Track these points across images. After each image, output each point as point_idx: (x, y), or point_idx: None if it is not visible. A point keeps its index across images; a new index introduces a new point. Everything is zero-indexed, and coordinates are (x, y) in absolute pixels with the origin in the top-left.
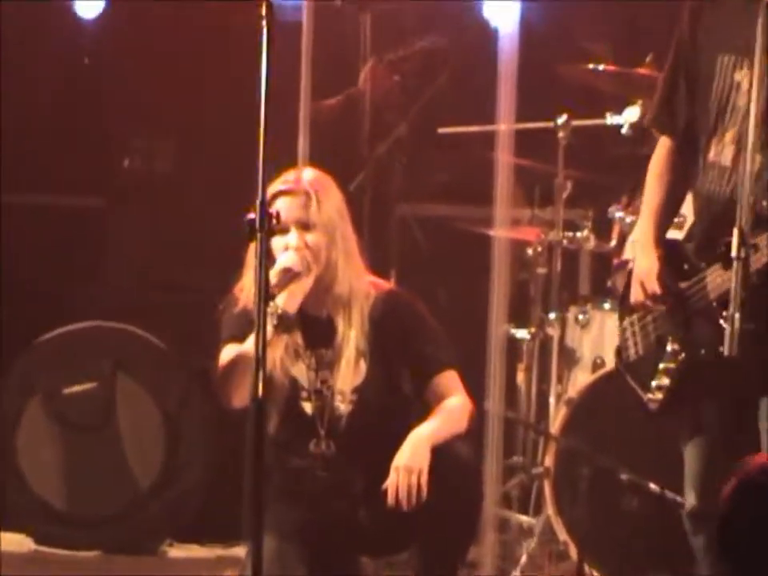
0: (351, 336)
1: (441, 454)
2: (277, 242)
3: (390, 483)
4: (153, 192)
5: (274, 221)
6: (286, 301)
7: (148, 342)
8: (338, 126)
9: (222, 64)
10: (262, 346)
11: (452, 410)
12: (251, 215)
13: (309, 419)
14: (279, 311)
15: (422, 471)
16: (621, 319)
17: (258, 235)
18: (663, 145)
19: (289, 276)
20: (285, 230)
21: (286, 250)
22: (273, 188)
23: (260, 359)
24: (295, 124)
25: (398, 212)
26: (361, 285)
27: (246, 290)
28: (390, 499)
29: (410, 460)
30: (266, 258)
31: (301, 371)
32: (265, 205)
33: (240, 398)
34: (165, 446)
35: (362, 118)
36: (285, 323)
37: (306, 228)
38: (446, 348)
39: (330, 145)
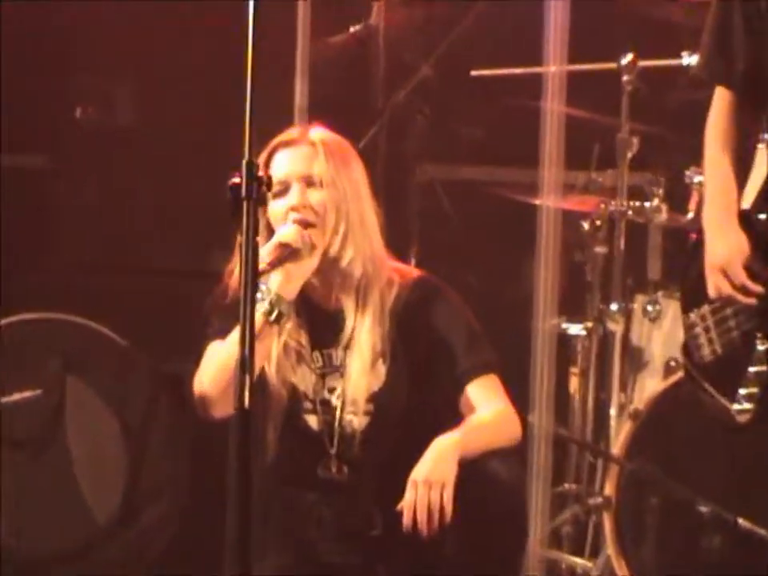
0: (367, 331)
1: (473, 473)
2: (276, 207)
3: (405, 501)
4: (111, 149)
5: (265, 187)
6: (282, 284)
7: (105, 337)
8: (345, 70)
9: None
10: (249, 340)
11: (491, 417)
12: (235, 179)
13: (314, 436)
14: (273, 297)
15: (446, 486)
16: (686, 311)
17: (245, 204)
18: (721, 98)
19: (286, 253)
20: (285, 190)
21: (286, 217)
22: (274, 141)
23: (245, 359)
24: (291, 66)
25: (421, 175)
26: (380, 266)
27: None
28: (406, 520)
29: (431, 472)
30: (255, 232)
31: (304, 377)
32: (253, 165)
33: (222, 406)
34: (126, 469)
35: (375, 59)
36: (280, 312)
37: (309, 185)
38: (484, 347)
39: (334, 92)
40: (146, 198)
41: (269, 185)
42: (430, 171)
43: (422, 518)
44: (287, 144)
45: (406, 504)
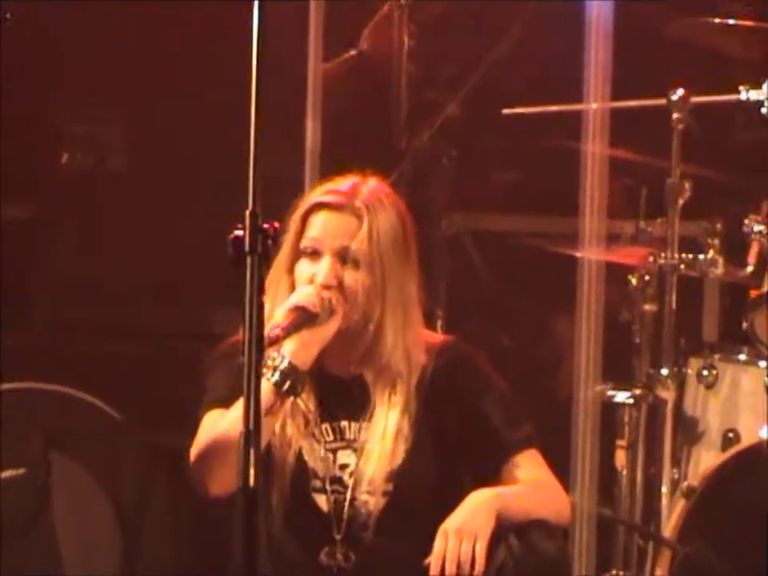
0: (393, 412)
1: (514, 541)
2: (303, 269)
3: (434, 552)
4: (100, 199)
5: (271, 241)
6: (296, 352)
7: (95, 409)
8: (361, 107)
9: (195, 25)
10: (254, 413)
11: (535, 485)
12: (237, 231)
13: (323, 518)
14: (284, 366)
15: (480, 538)
16: None
17: (248, 260)
18: None
19: (301, 318)
20: (317, 254)
21: (311, 282)
22: (312, 197)
23: (250, 432)
24: (300, 104)
25: (448, 227)
26: (417, 353)
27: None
28: (433, 572)
29: (464, 522)
30: (261, 290)
31: (313, 451)
32: (257, 216)
33: (220, 483)
34: (120, 555)
35: (396, 95)
36: (291, 383)
37: (345, 261)
38: (521, 420)
39: (349, 132)
40: (139, 252)
41: (275, 238)
42: (457, 222)
43: (450, 571)
44: (329, 207)
45: (434, 555)
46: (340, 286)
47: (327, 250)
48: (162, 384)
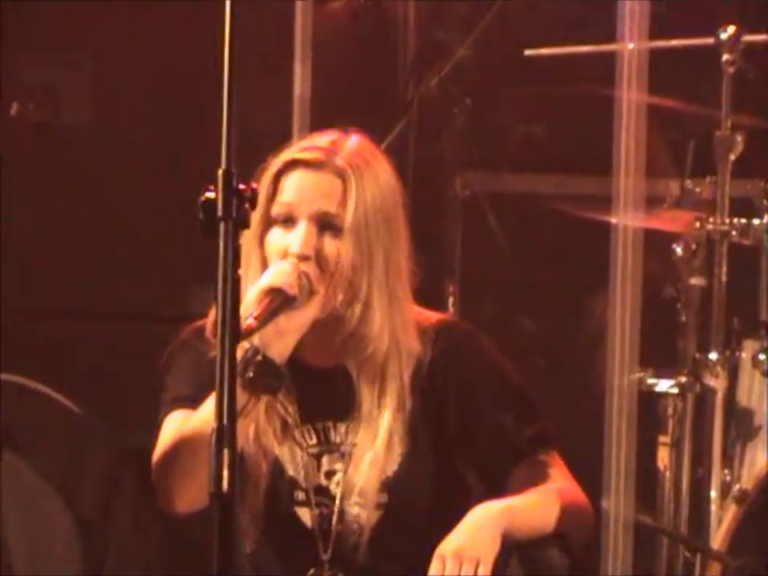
0: (384, 410)
1: (523, 559)
2: (275, 240)
3: None
4: (55, 155)
5: (248, 203)
6: (270, 342)
7: (53, 403)
8: (359, 49)
9: None
10: (228, 412)
11: (549, 494)
12: (208, 194)
13: (307, 535)
14: (258, 359)
15: (482, 563)
16: None
17: (221, 226)
18: None
19: (277, 302)
20: (291, 221)
21: (284, 256)
22: (287, 153)
23: (223, 431)
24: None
25: (461, 187)
26: (407, 338)
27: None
28: None
29: (464, 545)
30: (236, 264)
31: (293, 457)
32: (232, 176)
33: (187, 499)
34: (78, 572)
35: (399, 35)
36: (267, 380)
37: (324, 228)
38: (535, 415)
39: (345, 78)
40: (100, 219)
41: (253, 201)
42: (472, 182)
43: None
44: (306, 164)
45: None
46: (318, 258)
47: (303, 214)
48: (130, 373)
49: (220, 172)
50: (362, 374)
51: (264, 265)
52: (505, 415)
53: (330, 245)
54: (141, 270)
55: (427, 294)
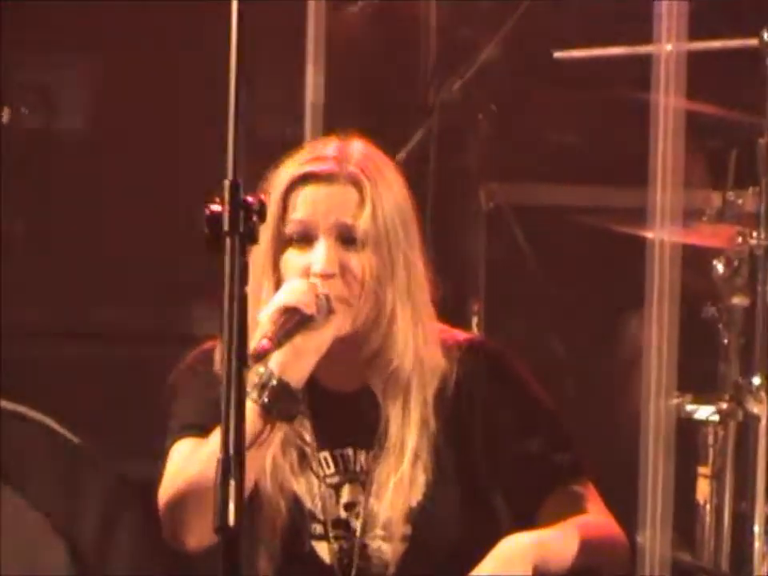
0: (408, 434)
1: None
2: (292, 262)
3: None
4: (48, 165)
5: (256, 216)
6: (286, 365)
7: (47, 431)
8: (376, 52)
9: None
10: (234, 442)
11: (588, 524)
12: (214, 206)
13: (326, 573)
14: (273, 384)
15: None
16: None
17: (227, 241)
18: None
19: (293, 322)
20: (308, 240)
21: (306, 275)
22: (292, 167)
23: (229, 463)
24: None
25: (485, 199)
26: (430, 353)
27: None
28: None
29: (496, 570)
30: (243, 281)
31: (309, 488)
32: (239, 187)
33: (199, 534)
34: None
35: (420, 36)
36: (283, 406)
37: (346, 242)
38: (569, 442)
39: (360, 83)
40: (96, 232)
41: (261, 214)
42: (498, 194)
43: None
44: (317, 177)
45: None
46: (344, 275)
47: (321, 231)
48: (130, 399)
49: (226, 183)
50: (387, 395)
51: (278, 289)
52: (536, 442)
53: (353, 259)
54: (141, 288)
55: (450, 314)
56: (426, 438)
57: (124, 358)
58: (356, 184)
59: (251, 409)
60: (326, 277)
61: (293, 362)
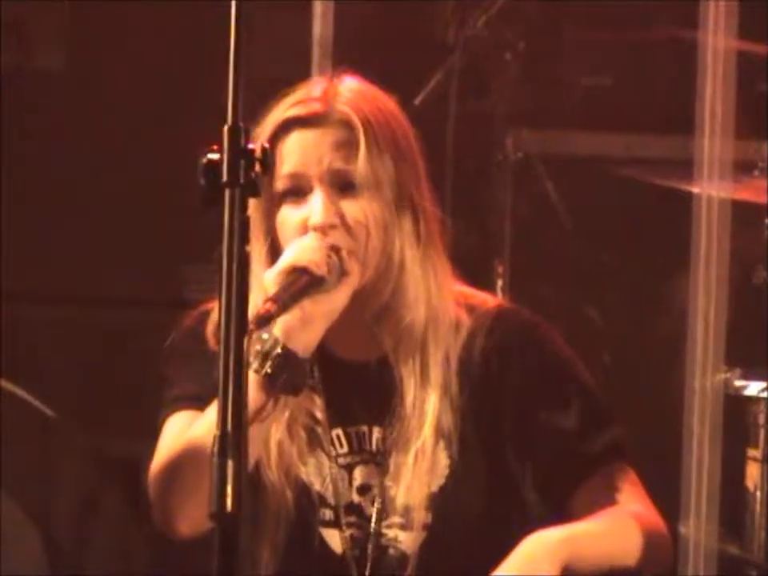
0: (428, 403)
1: None
2: (288, 218)
3: None
4: (25, 105)
5: (260, 165)
6: (292, 332)
7: (20, 404)
8: None
9: None
10: (233, 418)
11: (620, 519)
12: (211, 155)
13: (336, 562)
14: (278, 352)
15: None
16: None
17: (226, 193)
18: None
19: (302, 284)
20: (302, 193)
21: (304, 231)
22: (278, 112)
23: (227, 441)
24: None
25: (513, 148)
26: (445, 306)
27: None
28: None
29: (520, 571)
30: (244, 239)
31: (319, 470)
32: (240, 132)
33: (191, 519)
34: None
35: None
36: (289, 377)
37: (343, 189)
38: (607, 422)
39: (372, 17)
40: (77, 184)
41: (265, 163)
42: (526, 142)
43: None
44: (302, 122)
45: None
46: (345, 225)
47: (315, 180)
48: (114, 369)
49: (225, 128)
50: (400, 357)
51: (275, 253)
52: (573, 421)
53: (353, 207)
54: (126, 246)
55: (471, 276)
56: (448, 409)
57: (105, 322)
58: (346, 124)
59: (253, 380)
60: (326, 228)
61: (300, 329)
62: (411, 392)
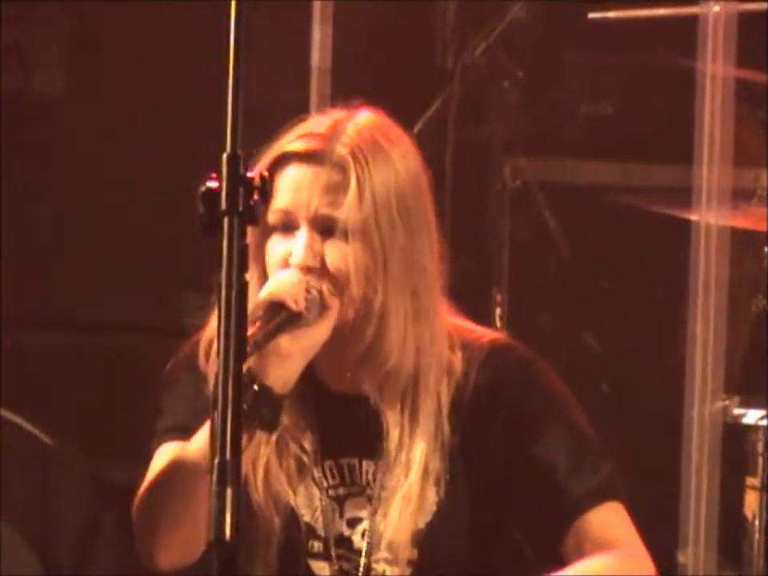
0: (416, 450)
1: None
2: (275, 250)
3: None
4: (25, 128)
5: (259, 193)
6: (269, 367)
7: (20, 432)
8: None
9: None
10: (231, 444)
11: (612, 563)
12: (210, 183)
13: None
14: (255, 387)
15: None
16: None
17: (225, 221)
18: None
19: (279, 321)
20: (291, 228)
21: (287, 265)
22: (282, 143)
23: (226, 469)
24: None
25: (511, 175)
26: (439, 351)
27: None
28: None
29: None
30: (243, 267)
31: (309, 501)
32: (239, 161)
33: (170, 550)
34: None
35: None
36: (265, 414)
37: (327, 232)
38: (599, 461)
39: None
40: (76, 208)
41: (264, 191)
42: (524, 170)
43: None
44: (300, 157)
45: None
46: (324, 268)
47: (302, 218)
48: (112, 397)
49: (224, 156)
50: (385, 400)
51: (265, 281)
52: (564, 462)
53: (335, 252)
54: (125, 272)
55: (469, 304)
56: (437, 450)
57: (104, 349)
58: (342, 168)
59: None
60: (303, 269)
61: (277, 365)
62: (396, 437)
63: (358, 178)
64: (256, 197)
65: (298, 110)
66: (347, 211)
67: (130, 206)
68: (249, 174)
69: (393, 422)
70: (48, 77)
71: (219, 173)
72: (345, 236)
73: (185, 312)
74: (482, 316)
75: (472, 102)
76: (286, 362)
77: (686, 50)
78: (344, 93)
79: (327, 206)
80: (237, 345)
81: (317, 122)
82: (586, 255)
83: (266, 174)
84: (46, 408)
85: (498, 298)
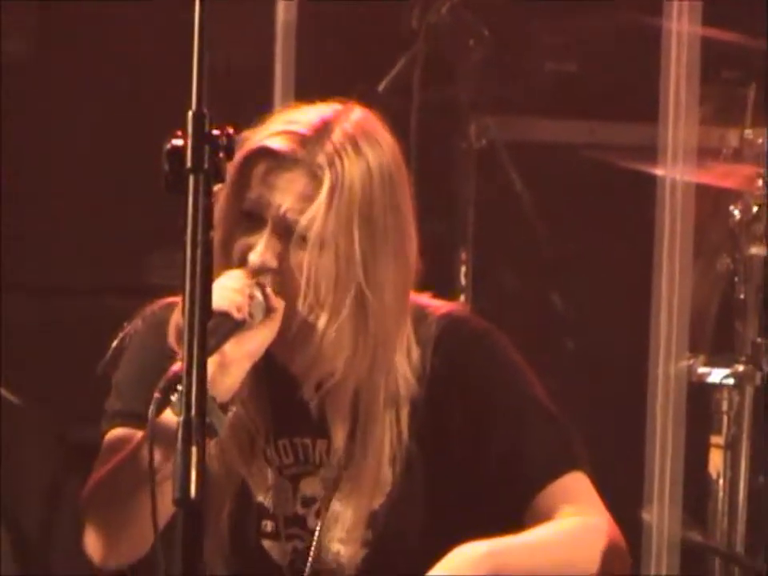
0: (372, 425)
1: None
2: (240, 241)
3: None
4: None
5: (224, 152)
6: (213, 377)
7: None
8: None
9: None
10: (197, 402)
11: (566, 526)
12: (175, 141)
13: (278, 574)
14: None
15: None
16: None
17: (190, 179)
18: None
19: (223, 329)
20: (257, 224)
21: (244, 258)
22: (258, 135)
23: (192, 426)
24: None
25: (477, 134)
26: (391, 346)
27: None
28: None
29: None
30: (208, 225)
31: (262, 478)
32: (204, 118)
33: (115, 548)
34: None
35: None
36: (210, 420)
37: (292, 234)
38: (560, 431)
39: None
40: (42, 169)
41: (229, 149)
42: (489, 129)
43: None
44: (275, 156)
45: None
46: (282, 270)
47: (269, 217)
48: (76, 355)
49: (189, 114)
50: (327, 404)
51: (227, 254)
52: (523, 435)
53: (296, 256)
54: (88, 232)
55: (434, 264)
56: (393, 430)
57: (68, 309)
58: (314, 174)
59: (174, 422)
60: (259, 270)
61: (220, 374)
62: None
63: (330, 192)
64: (221, 154)
65: (263, 68)
66: (311, 220)
67: (96, 163)
68: (214, 132)
69: (347, 402)
70: (17, 41)
71: (184, 130)
72: (303, 242)
73: (151, 271)
74: (447, 275)
75: (437, 61)
76: (228, 370)
77: (651, 8)
78: (309, 51)
79: (295, 212)
80: (202, 303)
81: (303, 117)
82: (551, 214)
83: (231, 130)
84: (12, 368)
85: (463, 257)
